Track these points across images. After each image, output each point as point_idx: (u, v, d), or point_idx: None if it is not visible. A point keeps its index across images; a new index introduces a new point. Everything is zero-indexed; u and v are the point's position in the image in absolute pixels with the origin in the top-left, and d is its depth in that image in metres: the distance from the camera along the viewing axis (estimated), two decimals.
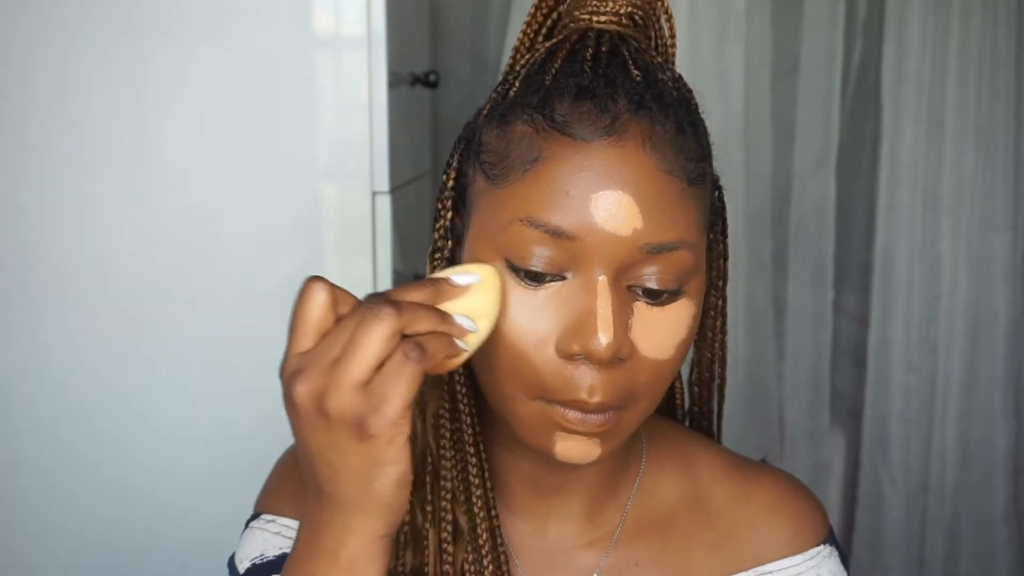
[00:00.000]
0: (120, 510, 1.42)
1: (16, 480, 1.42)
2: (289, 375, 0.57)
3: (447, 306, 0.60)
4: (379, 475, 0.56)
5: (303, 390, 0.56)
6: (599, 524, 0.75)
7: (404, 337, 0.56)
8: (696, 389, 0.81)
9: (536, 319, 0.62)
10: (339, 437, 0.55)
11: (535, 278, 0.62)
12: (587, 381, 0.61)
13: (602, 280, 0.61)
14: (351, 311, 0.57)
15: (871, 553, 2.23)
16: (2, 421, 1.41)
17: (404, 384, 0.55)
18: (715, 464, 0.78)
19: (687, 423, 0.83)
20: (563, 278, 0.62)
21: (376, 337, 0.54)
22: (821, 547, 0.75)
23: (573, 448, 0.64)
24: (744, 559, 0.74)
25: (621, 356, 0.61)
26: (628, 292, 0.63)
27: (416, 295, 0.59)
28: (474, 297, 0.61)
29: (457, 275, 0.61)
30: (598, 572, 0.74)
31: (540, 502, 0.74)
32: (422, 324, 0.57)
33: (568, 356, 0.61)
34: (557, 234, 0.60)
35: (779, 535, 0.75)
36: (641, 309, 0.63)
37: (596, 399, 0.61)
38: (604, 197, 0.60)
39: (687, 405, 0.83)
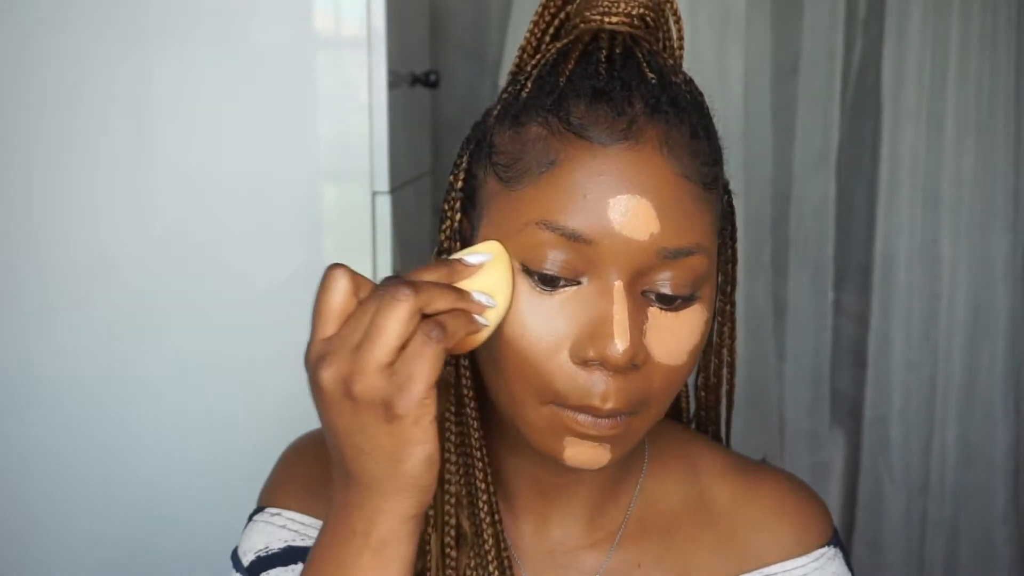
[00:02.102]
0: (121, 509, 1.42)
1: (17, 479, 1.42)
2: (315, 361, 0.57)
3: (463, 285, 0.60)
4: (407, 455, 0.57)
5: (328, 375, 0.56)
6: (601, 525, 0.74)
7: (425, 317, 0.57)
8: (703, 394, 0.80)
9: (550, 324, 0.61)
10: (366, 419, 0.56)
11: (549, 282, 0.61)
12: (600, 387, 0.61)
13: (618, 285, 0.60)
14: (370, 295, 0.57)
15: (871, 553, 2.23)
16: (3, 421, 1.41)
17: (427, 364, 0.55)
18: (718, 465, 0.77)
19: (692, 427, 0.83)
20: (578, 283, 0.61)
21: (396, 318, 0.55)
22: (825, 548, 0.75)
23: (582, 454, 0.63)
24: (747, 561, 0.74)
25: (636, 363, 0.61)
26: (642, 297, 0.62)
27: (432, 275, 0.59)
28: (487, 274, 0.61)
29: (468, 255, 0.62)
30: (600, 573, 0.73)
31: (543, 503, 0.73)
32: (440, 303, 0.58)
33: (583, 361, 0.61)
34: (573, 238, 0.60)
35: (783, 536, 0.74)
36: (655, 315, 0.62)
37: (609, 405, 0.61)
38: (621, 201, 0.60)
39: (692, 410, 0.83)
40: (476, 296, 0.60)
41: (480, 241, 0.66)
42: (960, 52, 2.09)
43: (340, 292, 0.57)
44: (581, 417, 0.62)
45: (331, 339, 0.57)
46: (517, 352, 0.62)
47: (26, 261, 1.38)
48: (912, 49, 2.09)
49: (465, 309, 0.59)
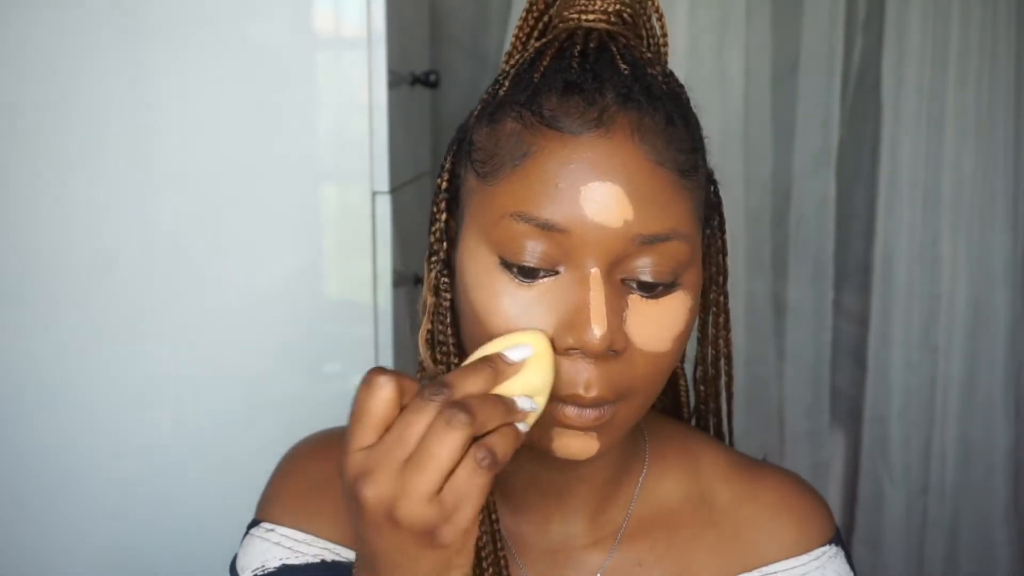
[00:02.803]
0: (121, 509, 1.42)
1: (17, 479, 1.42)
2: (355, 475, 0.55)
3: (505, 387, 0.59)
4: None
5: (372, 495, 0.54)
6: (602, 524, 0.74)
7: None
8: (701, 387, 0.81)
9: (530, 315, 0.62)
10: (408, 543, 0.55)
11: (528, 274, 0.62)
12: (583, 376, 0.61)
13: (594, 272, 0.61)
14: (413, 405, 0.55)
15: (871, 553, 2.23)
16: (3, 420, 1.41)
17: (477, 494, 0.54)
18: (719, 463, 0.78)
19: (693, 422, 0.83)
20: (556, 272, 0.62)
21: (450, 448, 0.53)
22: (827, 547, 0.75)
23: (570, 444, 0.64)
24: (749, 559, 0.74)
25: (615, 348, 0.61)
26: (623, 285, 0.62)
27: (477, 382, 0.57)
28: (530, 371, 0.59)
29: (511, 350, 0.60)
30: (601, 572, 0.74)
31: (543, 502, 0.74)
32: (492, 423, 0.56)
33: (563, 351, 0.61)
34: (548, 228, 0.60)
35: (784, 535, 0.75)
36: (636, 302, 0.63)
37: (593, 393, 0.61)
38: (593, 189, 0.60)
39: (692, 404, 0.83)
40: (520, 403, 0.58)
41: (463, 244, 0.65)
42: (960, 52, 2.09)
43: (384, 401, 0.55)
44: (568, 410, 0.62)
45: (373, 451, 0.55)
46: None
47: (26, 261, 1.38)
48: (912, 49, 2.09)
49: (511, 422, 0.57)
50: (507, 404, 0.57)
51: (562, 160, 0.61)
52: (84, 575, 1.43)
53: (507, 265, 0.62)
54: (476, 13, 2.13)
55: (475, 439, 0.55)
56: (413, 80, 1.54)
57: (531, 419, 0.59)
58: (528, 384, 0.59)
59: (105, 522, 1.42)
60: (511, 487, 0.74)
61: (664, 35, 0.73)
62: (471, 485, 0.54)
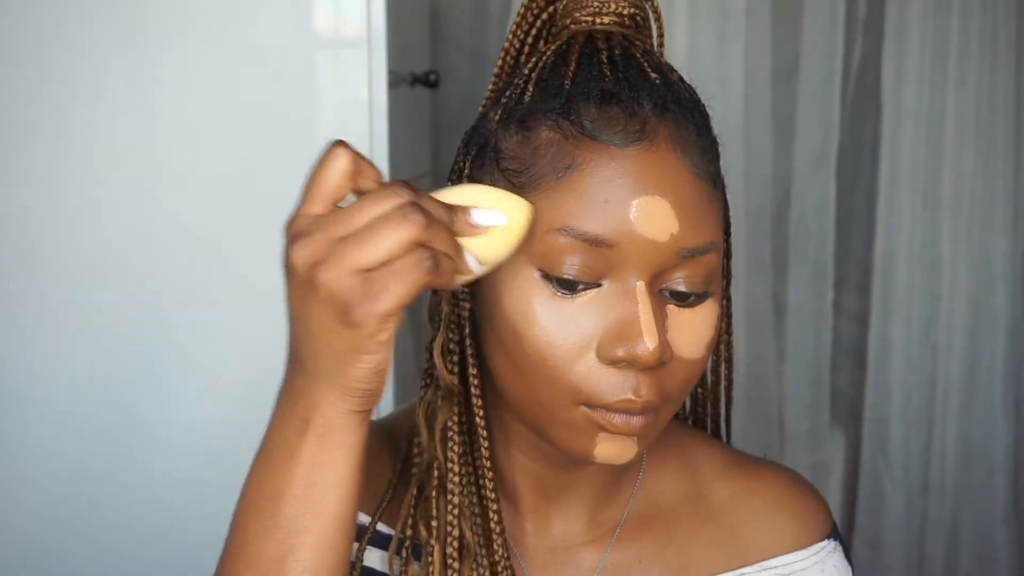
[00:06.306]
0: (121, 507, 1.42)
1: (18, 478, 1.42)
2: (293, 234, 0.55)
3: (462, 242, 0.57)
4: (355, 361, 0.54)
5: (300, 254, 0.54)
6: (601, 522, 0.75)
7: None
8: (699, 390, 0.81)
9: (575, 327, 0.61)
10: (323, 312, 0.54)
11: (568, 286, 0.61)
12: (632, 382, 0.61)
13: (640, 285, 0.61)
14: (374, 192, 0.54)
15: (871, 553, 2.23)
16: (3, 420, 1.41)
17: (407, 284, 0.52)
18: (716, 461, 0.78)
19: (689, 423, 0.83)
20: (598, 285, 0.62)
21: (397, 238, 0.52)
22: (825, 542, 0.75)
23: (611, 449, 0.64)
24: (747, 555, 0.74)
25: (664, 360, 0.62)
26: (660, 295, 0.63)
27: (438, 211, 0.55)
28: (490, 239, 0.58)
29: (481, 212, 0.57)
30: (600, 570, 0.74)
31: (544, 501, 0.74)
32: (440, 246, 0.54)
33: (611, 362, 0.61)
34: (596, 242, 0.60)
35: (782, 531, 0.75)
36: (673, 312, 0.63)
37: (643, 397, 0.61)
38: (642, 204, 0.60)
39: (689, 406, 0.83)
40: (468, 258, 0.57)
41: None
42: (960, 52, 2.09)
43: (338, 172, 0.54)
44: (616, 419, 0.62)
45: (317, 219, 0.54)
46: (543, 357, 0.62)
47: (23, 261, 1.38)
48: (912, 49, 2.10)
49: (455, 261, 0.56)
50: (457, 246, 0.56)
51: (609, 174, 0.61)
52: (83, 573, 1.43)
53: (547, 277, 0.62)
54: (476, 13, 2.13)
55: None
56: (413, 80, 1.55)
57: (461, 280, 0.57)
58: (480, 247, 0.57)
59: (104, 519, 1.42)
60: (512, 487, 0.74)
61: (661, 35, 0.73)
62: (406, 275, 0.52)
